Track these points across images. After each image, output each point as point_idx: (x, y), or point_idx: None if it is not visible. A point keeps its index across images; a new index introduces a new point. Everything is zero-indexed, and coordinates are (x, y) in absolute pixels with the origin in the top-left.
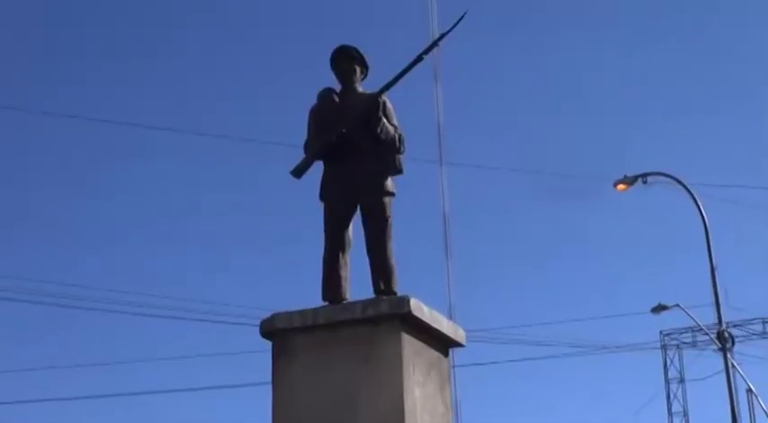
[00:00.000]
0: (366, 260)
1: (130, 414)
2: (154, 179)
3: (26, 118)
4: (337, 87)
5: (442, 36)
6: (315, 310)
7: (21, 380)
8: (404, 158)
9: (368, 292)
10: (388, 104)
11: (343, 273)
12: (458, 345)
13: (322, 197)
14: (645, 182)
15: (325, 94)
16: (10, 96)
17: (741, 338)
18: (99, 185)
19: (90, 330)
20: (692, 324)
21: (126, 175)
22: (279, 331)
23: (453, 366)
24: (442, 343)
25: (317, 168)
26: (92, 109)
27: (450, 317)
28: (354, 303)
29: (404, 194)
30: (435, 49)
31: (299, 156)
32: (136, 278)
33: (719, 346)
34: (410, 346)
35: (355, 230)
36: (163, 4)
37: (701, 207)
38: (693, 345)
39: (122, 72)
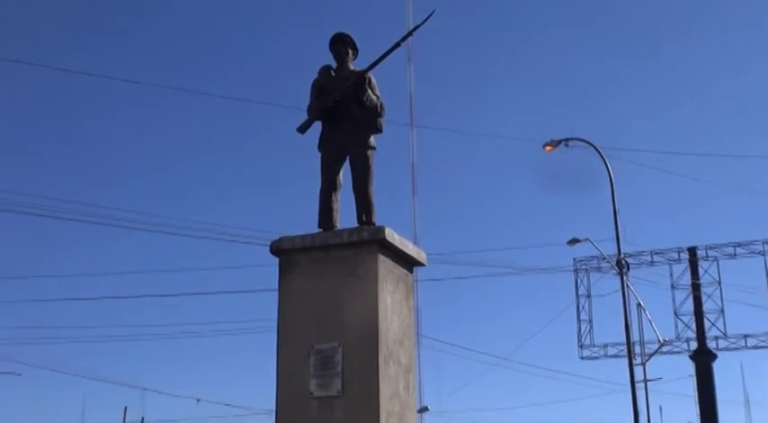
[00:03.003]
0: (352, 198)
1: (167, 311)
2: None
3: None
4: (333, 65)
5: (415, 28)
6: (312, 235)
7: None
8: (384, 121)
9: (353, 222)
10: (373, 79)
11: (334, 207)
12: (420, 264)
13: (320, 148)
14: (567, 145)
15: (324, 69)
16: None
17: (634, 266)
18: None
19: (133, 246)
20: (598, 254)
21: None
22: (284, 250)
23: (416, 280)
24: (409, 262)
25: (317, 126)
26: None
27: (415, 242)
28: (342, 231)
29: (383, 148)
30: (409, 38)
31: (303, 117)
32: (180, 208)
33: (618, 271)
34: (384, 264)
35: (344, 175)
36: None
37: (608, 165)
38: (598, 269)
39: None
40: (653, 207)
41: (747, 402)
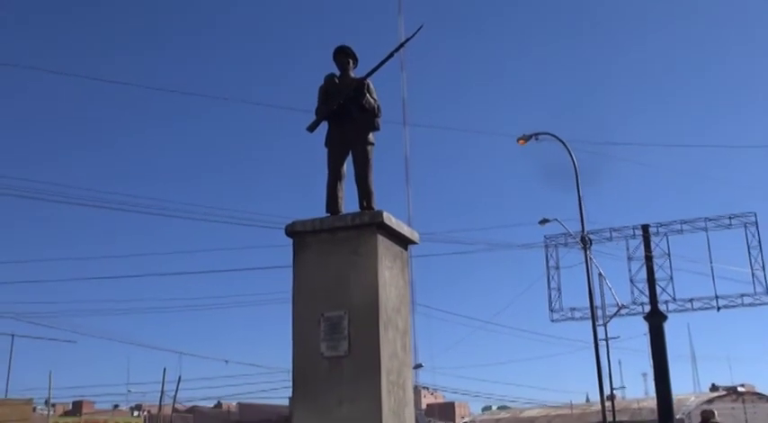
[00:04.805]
0: (355, 187)
1: (199, 286)
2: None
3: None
4: (337, 73)
5: (406, 40)
6: (321, 218)
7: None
8: (381, 121)
9: (356, 208)
10: (371, 85)
11: (339, 194)
12: (413, 242)
13: (326, 145)
14: (537, 139)
15: (329, 77)
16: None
17: (596, 241)
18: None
19: (164, 234)
20: (565, 231)
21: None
22: (297, 233)
23: (411, 256)
24: (404, 241)
25: (324, 126)
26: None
27: (409, 224)
28: (346, 215)
29: (381, 144)
30: (401, 49)
31: (311, 118)
32: (210, 198)
33: (582, 246)
34: (383, 243)
35: (347, 167)
36: None
37: (573, 156)
38: (565, 245)
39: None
40: (612, 193)
41: (694, 356)
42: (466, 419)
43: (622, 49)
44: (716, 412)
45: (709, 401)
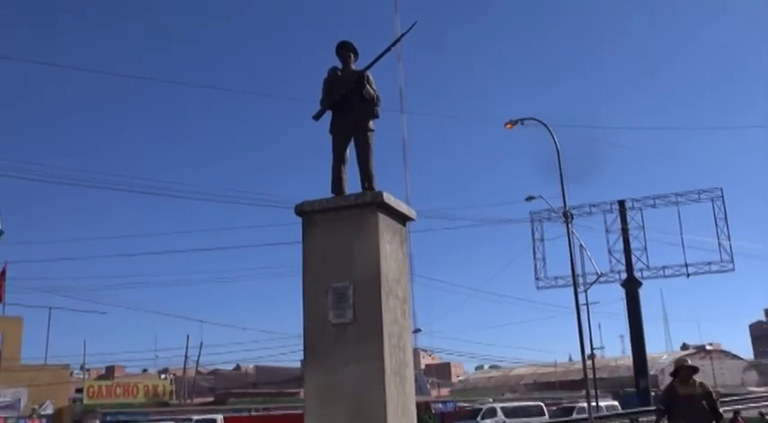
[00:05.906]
0: (357, 170)
1: (218, 260)
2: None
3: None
4: (339, 66)
5: (401, 36)
6: (327, 199)
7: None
8: (380, 109)
9: (358, 189)
10: (370, 76)
11: (343, 177)
12: (411, 219)
13: (331, 132)
14: (523, 124)
15: (332, 70)
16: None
17: (577, 215)
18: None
19: (199, 216)
20: (549, 207)
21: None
22: (306, 212)
23: (409, 232)
24: (402, 218)
25: (328, 115)
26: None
27: (407, 202)
28: (350, 195)
29: (381, 131)
30: (397, 44)
31: (317, 108)
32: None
33: (564, 220)
34: (383, 220)
35: (350, 152)
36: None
37: (555, 138)
38: (549, 219)
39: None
40: (592, 172)
41: (666, 319)
42: (461, 378)
43: (604, 39)
44: (689, 360)
45: None
